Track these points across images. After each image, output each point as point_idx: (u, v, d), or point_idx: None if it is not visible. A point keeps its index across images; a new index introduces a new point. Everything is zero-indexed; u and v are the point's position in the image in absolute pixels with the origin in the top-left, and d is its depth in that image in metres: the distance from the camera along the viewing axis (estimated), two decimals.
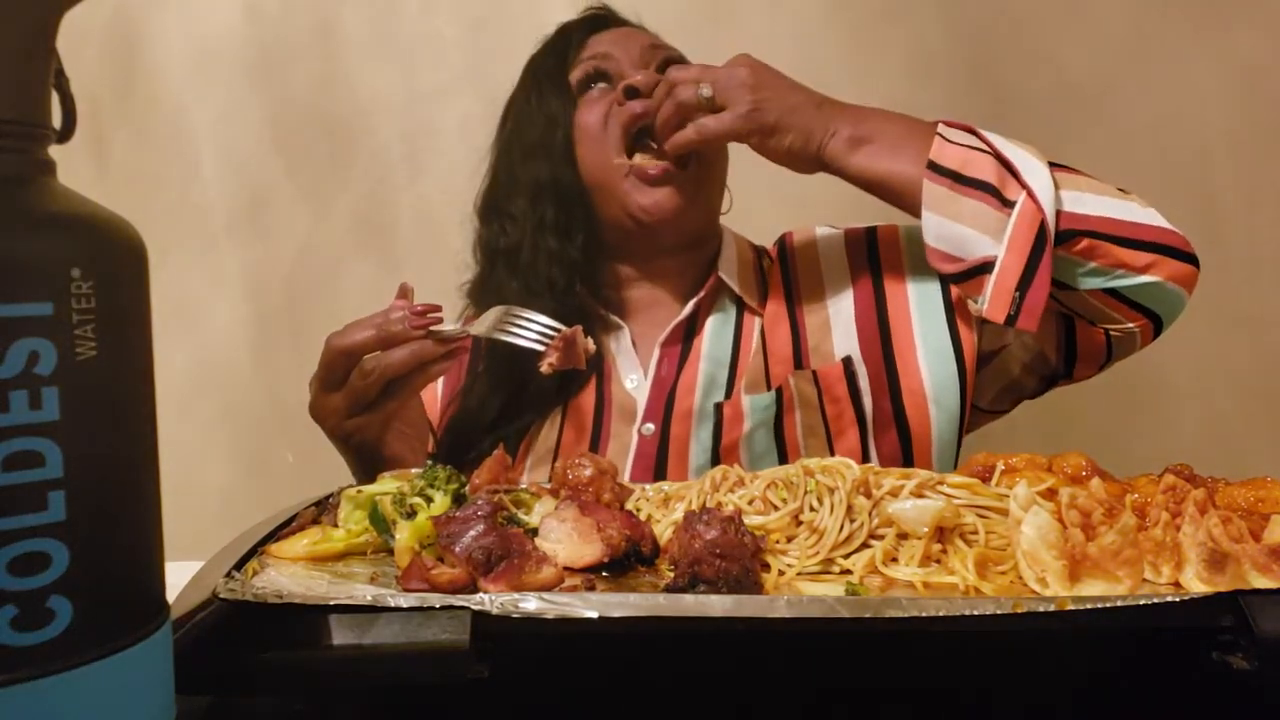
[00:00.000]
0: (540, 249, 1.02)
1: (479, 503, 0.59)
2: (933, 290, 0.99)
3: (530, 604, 0.49)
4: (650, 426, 1.00)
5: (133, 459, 0.39)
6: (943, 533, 0.61)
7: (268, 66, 1.67)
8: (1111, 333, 0.93)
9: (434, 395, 1.07)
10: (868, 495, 0.63)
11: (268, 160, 1.68)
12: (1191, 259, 0.88)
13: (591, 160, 1.02)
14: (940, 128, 0.91)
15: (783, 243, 1.11)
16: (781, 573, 0.59)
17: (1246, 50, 1.50)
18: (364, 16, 1.66)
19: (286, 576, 0.57)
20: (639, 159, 1.00)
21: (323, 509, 0.70)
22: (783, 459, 0.97)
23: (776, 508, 0.64)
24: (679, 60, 1.06)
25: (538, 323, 0.84)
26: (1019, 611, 0.49)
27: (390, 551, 0.62)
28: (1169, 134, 1.51)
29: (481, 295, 1.06)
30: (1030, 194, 0.85)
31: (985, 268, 0.86)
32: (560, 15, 1.11)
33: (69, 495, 0.35)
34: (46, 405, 0.35)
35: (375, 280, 1.64)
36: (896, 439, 0.98)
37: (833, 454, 0.91)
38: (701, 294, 1.04)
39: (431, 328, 0.81)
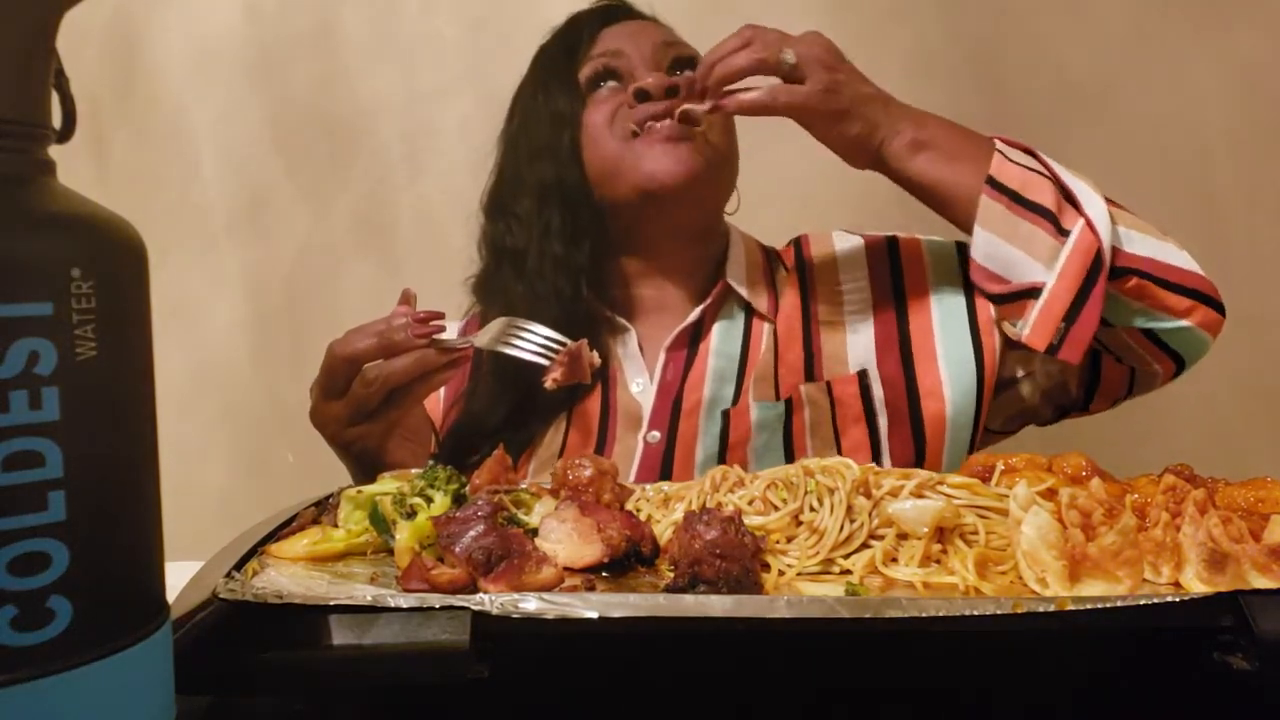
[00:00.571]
0: (546, 255, 1.00)
1: (479, 503, 0.59)
2: (957, 307, 0.98)
3: (530, 604, 0.49)
4: (656, 434, 0.99)
5: (133, 459, 0.39)
6: (943, 533, 0.61)
7: (268, 66, 1.67)
8: (1137, 370, 0.93)
9: (436, 400, 1.06)
10: (868, 495, 0.63)
11: (268, 160, 1.68)
12: (1221, 307, 0.89)
13: (598, 156, 1.00)
14: (998, 144, 0.90)
15: (799, 247, 1.09)
16: (781, 573, 0.59)
17: (1246, 50, 1.50)
18: (364, 16, 1.66)
19: (286, 576, 0.57)
20: (648, 107, 0.96)
21: (323, 509, 0.69)
22: None
23: (776, 508, 0.64)
24: (692, 58, 1.02)
25: (541, 335, 0.83)
26: (1019, 611, 0.49)
27: (390, 551, 0.62)
28: (1169, 134, 1.51)
29: (487, 293, 1.05)
30: (1089, 224, 0.84)
31: (1030, 293, 0.86)
32: (560, 15, 1.10)
33: (69, 495, 0.35)
34: (46, 405, 0.35)
35: (375, 280, 1.64)
36: (907, 454, 0.96)
37: None
38: (708, 301, 1.03)
39: (434, 336, 0.80)
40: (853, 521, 0.61)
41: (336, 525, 0.65)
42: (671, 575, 0.56)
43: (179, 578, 0.51)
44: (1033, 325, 0.85)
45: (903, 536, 0.61)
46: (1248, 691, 0.52)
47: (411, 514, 0.62)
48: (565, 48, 1.04)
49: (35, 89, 0.38)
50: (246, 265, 1.70)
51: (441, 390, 1.06)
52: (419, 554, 0.58)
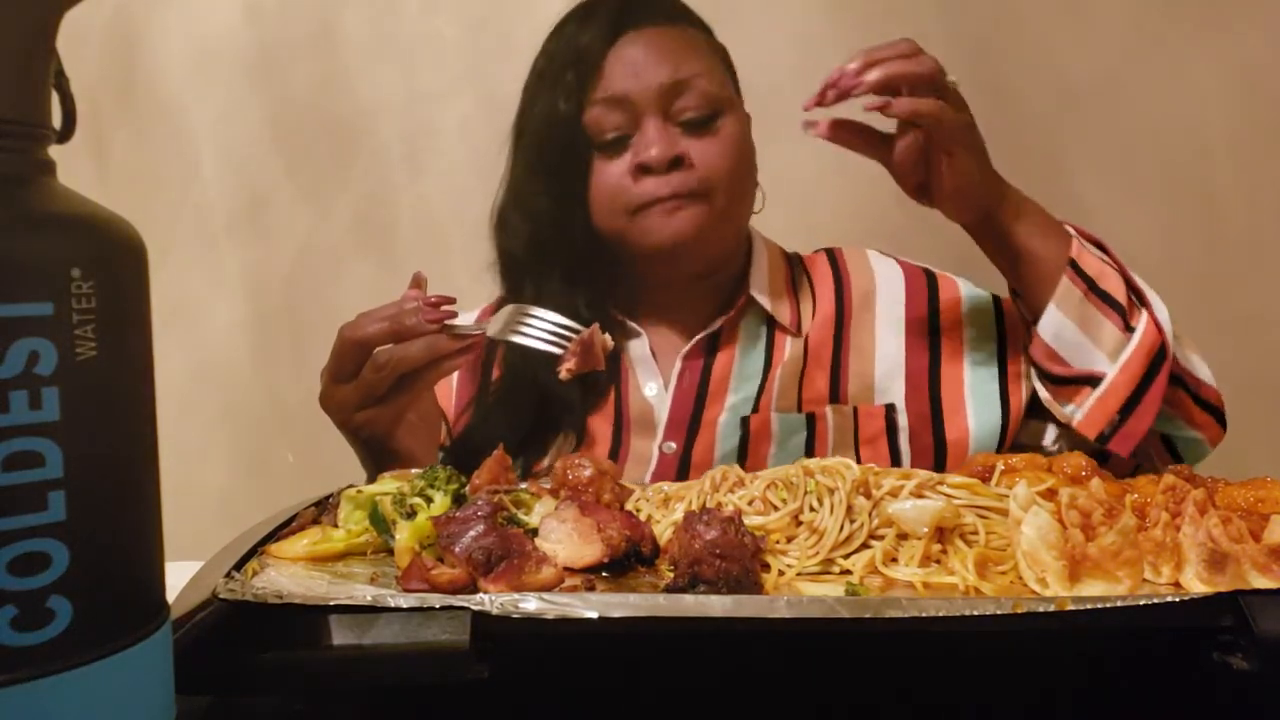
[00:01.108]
0: (558, 289, 0.98)
1: (479, 503, 0.59)
2: (988, 364, 0.99)
3: (530, 604, 0.49)
4: (672, 445, 0.98)
5: (133, 459, 0.39)
6: (943, 533, 0.61)
7: (268, 66, 1.67)
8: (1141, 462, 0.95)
9: (448, 388, 1.04)
10: (867, 495, 0.63)
11: (268, 160, 1.68)
12: (1225, 423, 0.92)
13: (603, 223, 0.98)
14: (1069, 228, 0.91)
15: (835, 262, 1.07)
16: (781, 573, 0.59)
17: (1246, 50, 1.50)
18: (364, 17, 1.66)
19: (286, 577, 0.57)
20: (649, 184, 0.94)
21: (323, 509, 0.69)
22: None
23: (776, 508, 0.64)
24: (704, 93, 0.96)
25: (551, 322, 0.81)
26: (1019, 612, 0.49)
27: (390, 551, 0.62)
28: (1169, 134, 1.51)
29: (511, 285, 1.04)
30: (1156, 322, 0.86)
31: (1089, 380, 0.87)
32: (559, 16, 1.09)
33: (69, 495, 0.35)
34: (46, 405, 0.35)
35: (375, 280, 1.64)
36: None
37: None
38: (731, 313, 1.02)
39: (446, 322, 0.79)
40: (853, 521, 0.61)
41: (336, 525, 0.65)
42: (671, 575, 0.56)
43: (179, 578, 0.51)
44: (1087, 413, 0.87)
45: (903, 536, 0.61)
46: (1248, 691, 0.52)
47: (411, 514, 0.62)
48: (574, 66, 0.98)
49: (35, 89, 0.38)
50: (246, 265, 1.70)
51: (455, 387, 1.05)
52: (419, 554, 0.58)
